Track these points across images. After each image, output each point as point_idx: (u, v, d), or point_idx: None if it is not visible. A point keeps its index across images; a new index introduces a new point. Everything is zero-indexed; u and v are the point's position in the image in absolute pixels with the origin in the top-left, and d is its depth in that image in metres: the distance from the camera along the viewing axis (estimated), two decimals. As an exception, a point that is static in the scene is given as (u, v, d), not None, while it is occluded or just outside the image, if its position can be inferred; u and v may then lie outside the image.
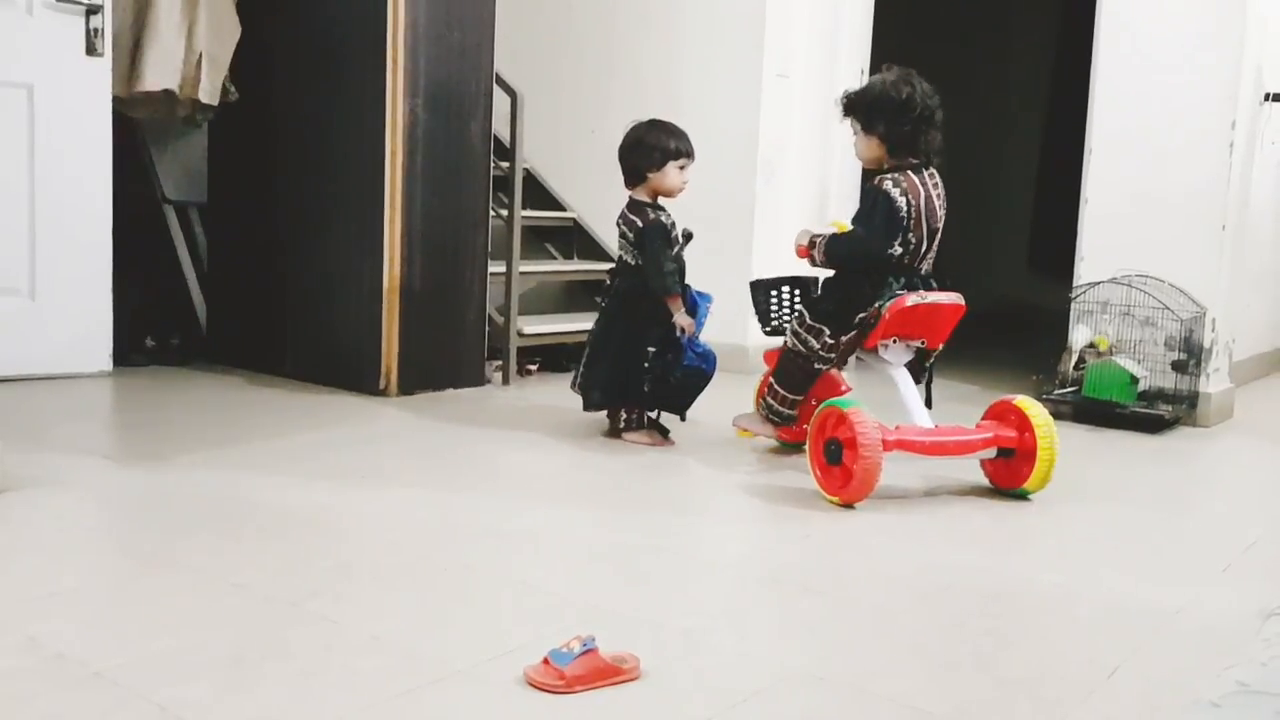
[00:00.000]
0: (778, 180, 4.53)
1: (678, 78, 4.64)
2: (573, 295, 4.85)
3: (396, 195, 3.53)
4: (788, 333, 2.85)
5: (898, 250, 2.66)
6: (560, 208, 4.91)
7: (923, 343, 2.73)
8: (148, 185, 4.23)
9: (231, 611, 1.76)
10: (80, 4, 3.52)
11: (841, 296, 2.75)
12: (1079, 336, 3.87)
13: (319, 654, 1.62)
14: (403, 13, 3.48)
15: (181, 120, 4.06)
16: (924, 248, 2.70)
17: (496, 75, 3.85)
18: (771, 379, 2.90)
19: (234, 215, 4.08)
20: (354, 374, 3.64)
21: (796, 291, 3.02)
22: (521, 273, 4.08)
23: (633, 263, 3.08)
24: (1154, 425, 3.66)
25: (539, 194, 4.86)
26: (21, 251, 3.53)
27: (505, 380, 3.96)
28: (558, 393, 3.90)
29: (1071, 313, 3.92)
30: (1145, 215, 3.87)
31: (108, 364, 3.70)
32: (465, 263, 3.76)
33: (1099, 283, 3.87)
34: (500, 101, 3.89)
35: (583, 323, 4.43)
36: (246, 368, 3.92)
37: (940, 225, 2.72)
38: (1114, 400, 3.69)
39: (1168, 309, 3.76)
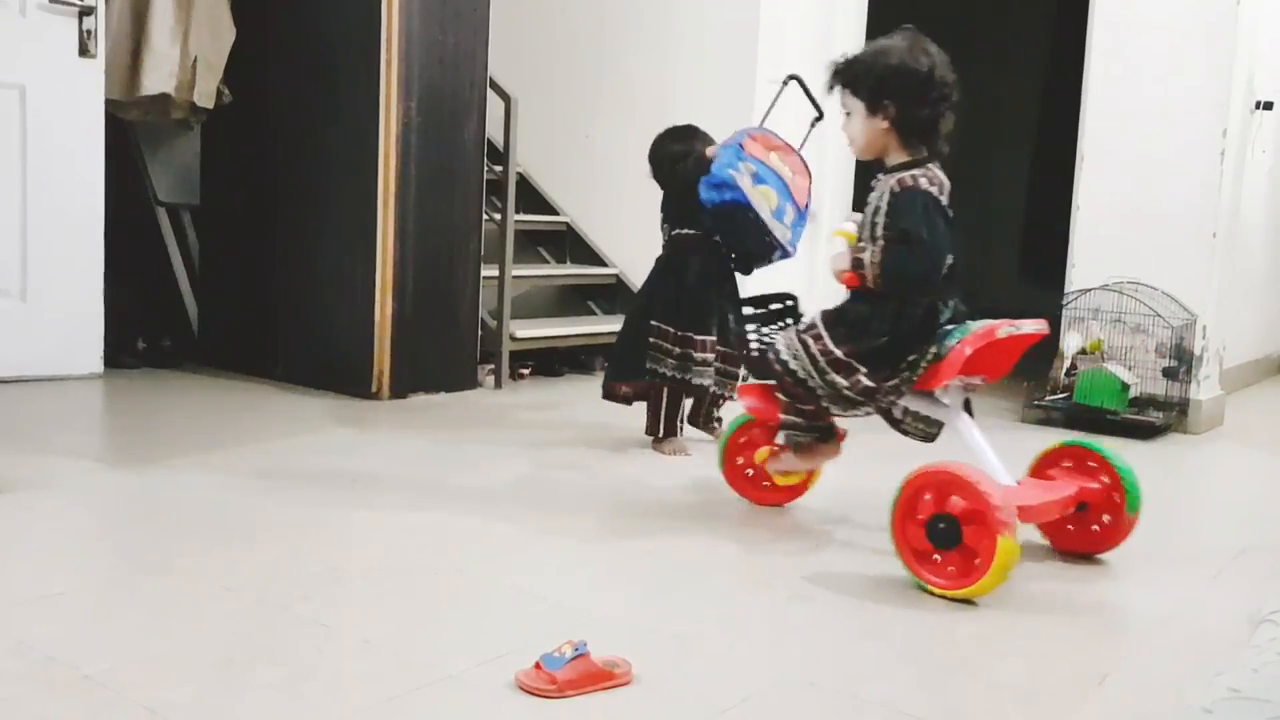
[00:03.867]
0: (771, 186, 4.53)
1: (670, 83, 4.64)
2: (565, 299, 4.85)
3: (390, 199, 3.53)
4: (789, 359, 2.26)
5: (949, 263, 2.19)
6: (553, 212, 4.91)
7: (983, 379, 2.27)
8: (140, 187, 4.22)
9: (222, 615, 1.76)
10: (73, 5, 3.51)
11: (895, 330, 2.20)
12: (1070, 343, 3.88)
13: (309, 658, 1.61)
14: (397, 17, 3.48)
15: (175, 122, 4.06)
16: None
17: (490, 79, 3.85)
18: (784, 399, 2.34)
19: (227, 218, 4.07)
20: (346, 377, 3.63)
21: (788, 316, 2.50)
22: (514, 276, 4.08)
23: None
24: (1145, 432, 3.67)
25: (532, 198, 4.86)
26: (13, 253, 3.52)
27: (498, 384, 3.96)
28: (550, 397, 3.90)
29: (1063, 320, 3.93)
30: (1136, 223, 3.88)
31: (99, 366, 3.69)
32: (458, 266, 3.76)
33: (1090, 290, 3.88)
34: (494, 106, 3.89)
35: (575, 326, 4.44)
36: (238, 370, 3.91)
37: None
38: (1105, 407, 3.70)
39: (1159, 316, 3.77)
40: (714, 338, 3.01)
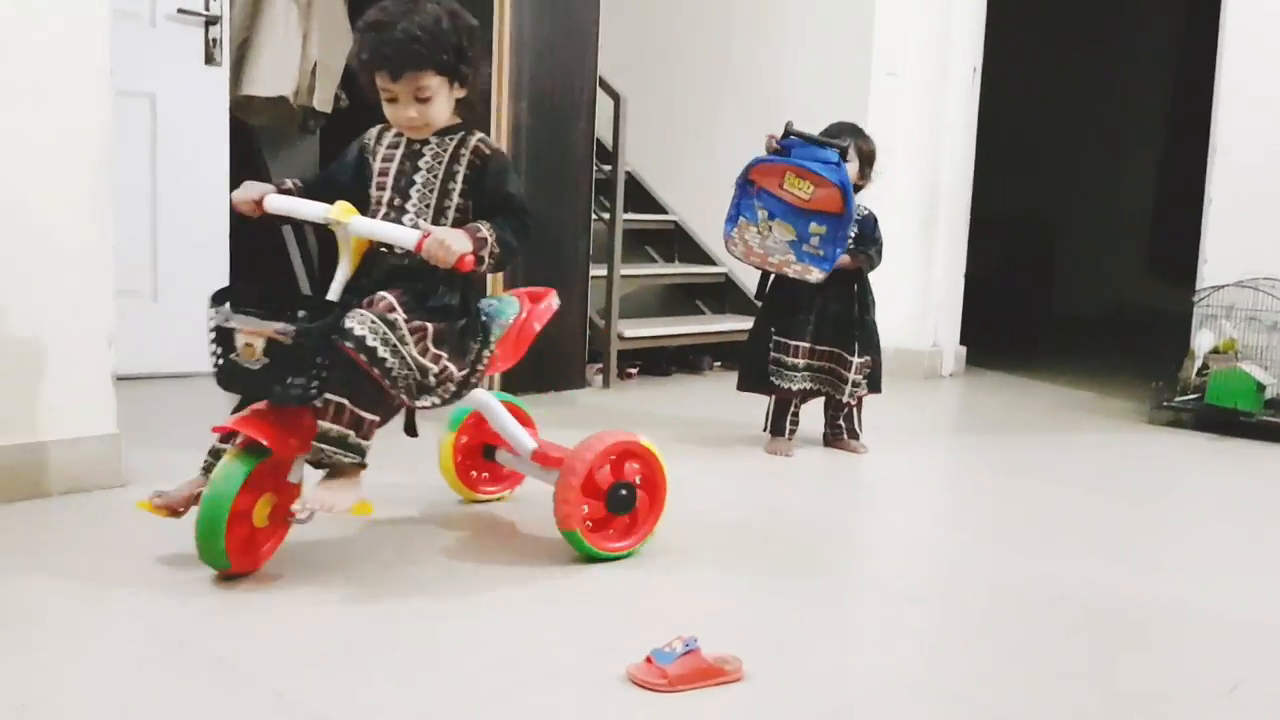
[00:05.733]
0: (885, 179, 4.46)
1: (784, 78, 4.60)
2: (673, 299, 4.85)
3: (501, 199, 3.57)
4: (376, 345, 1.81)
5: None
6: (662, 211, 4.92)
7: None
8: (263, 191, 4.35)
9: (342, 607, 1.80)
10: (200, 15, 3.65)
11: (466, 313, 2.01)
12: (1202, 341, 3.73)
13: (424, 650, 1.64)
14: (508, 19, 3.52)
15: (296, 127, 4.18)
16: None
17: (600, 79, 3.87)
18: (347, 404, 1.83)
19: (344, 219, 4.17)
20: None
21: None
22: (622, 276, 4.09)
23: None
24: (1281, 434, 3.51)
25: (640, 197, 4.87)
26: (144, 255, 3.66)
27: (605, 383, 3.97)
28: (657, 396, 3.91)
29: (1194, 317, 3.78)
30: (1273, 216, 3.70)
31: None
32: (567, 265, 3.79)
33: (1224, 286, 3.73)
34: (603, 105, 3.91)
35: (682, 326, 4.44)
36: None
37: None
38: (1238, 408, 3.55)
39: (1296, 313, 3.60)
40: (805, 343, 3.02)
